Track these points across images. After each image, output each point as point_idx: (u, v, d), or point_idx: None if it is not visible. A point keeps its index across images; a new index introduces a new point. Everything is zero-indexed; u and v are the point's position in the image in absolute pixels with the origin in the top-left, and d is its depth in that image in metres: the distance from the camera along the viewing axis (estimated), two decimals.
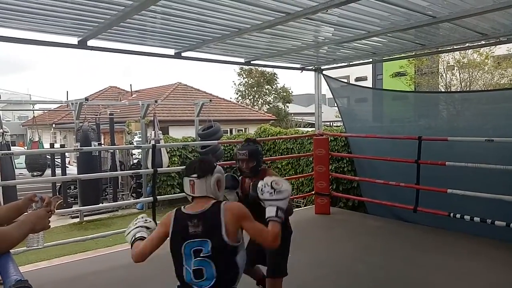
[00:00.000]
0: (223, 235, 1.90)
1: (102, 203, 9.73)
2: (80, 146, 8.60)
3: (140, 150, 11.05)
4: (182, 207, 2.05)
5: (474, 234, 5.15)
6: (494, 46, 12.04)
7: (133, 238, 2.16)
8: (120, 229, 5.44)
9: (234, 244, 1.94)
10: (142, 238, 2.14)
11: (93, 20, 3.80)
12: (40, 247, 1.72)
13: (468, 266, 4.32)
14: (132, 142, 12.91)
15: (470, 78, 15.21)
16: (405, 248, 4.99)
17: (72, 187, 10.66)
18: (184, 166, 2.18)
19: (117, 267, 4.57)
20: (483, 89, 14.24)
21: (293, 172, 9.23)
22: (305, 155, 8.43)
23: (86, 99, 9.38)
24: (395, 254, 4.78)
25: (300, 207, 8.55)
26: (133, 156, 12.07)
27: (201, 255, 1.90)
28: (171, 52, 5.17)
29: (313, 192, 6.88)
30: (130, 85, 21.38)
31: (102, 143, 12.02)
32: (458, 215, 4.99)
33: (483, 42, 5.61)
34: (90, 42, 4.40)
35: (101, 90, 23.50)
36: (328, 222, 6.36)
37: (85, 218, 9.44)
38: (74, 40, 4.35)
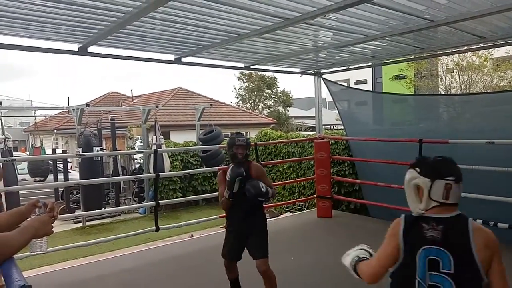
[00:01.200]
0: (477, 263, 1.53)
1: (105, 208, 9.75)
2: (82, 152, 8.63)
3: (142, 155, 11.08)
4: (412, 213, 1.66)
5: None
6: (492, 49, 12.05)
7: (356, 258, 1.95)
8: (123, 233, 5.49)
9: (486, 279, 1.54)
10: (365, 259, 1.90)
11: (94, 27, 3.84)
12: (43, 252, 1.73)
13: None
14: (134, 147, 12.97)
15: (470, 80, 15.19)
16: None
17: (75, 192, 10.69)
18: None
19: (120, 272, 4.59)
20: (482, 91, 14.23)
21: (294, 176, 9.24)
22: (306, 159, 8.44)
23: (87, 104, 9.42)
24: None
25: (302, 210, 8.56)
26: (135, 161, 12.10)
27: (440, 270, 1.54)
28: (171, 57, 5.20)
29: (315, 196, 6.87)
30: (131, 90, 21.51)
31: (104, 148, 12.06)
32: None
33: (482, 45, 5.63)
34: (91, 49, 4.44)
35: (102, 96, 23.58)
36: (330, 225, 6.36)
37: (88, 223, 9.46)
38: (74, 47, 4.39)
